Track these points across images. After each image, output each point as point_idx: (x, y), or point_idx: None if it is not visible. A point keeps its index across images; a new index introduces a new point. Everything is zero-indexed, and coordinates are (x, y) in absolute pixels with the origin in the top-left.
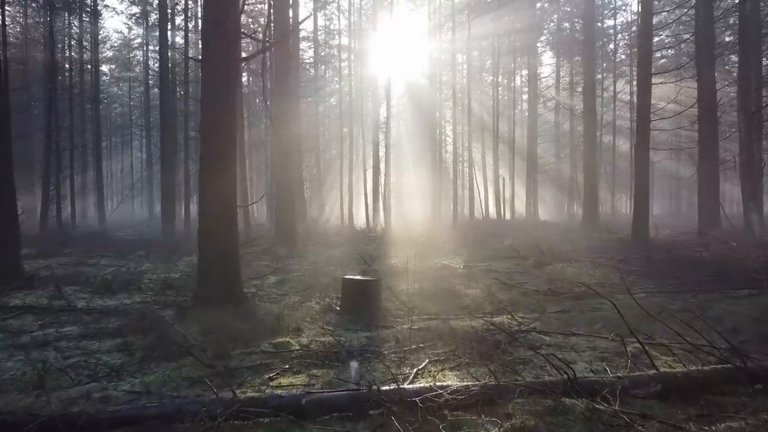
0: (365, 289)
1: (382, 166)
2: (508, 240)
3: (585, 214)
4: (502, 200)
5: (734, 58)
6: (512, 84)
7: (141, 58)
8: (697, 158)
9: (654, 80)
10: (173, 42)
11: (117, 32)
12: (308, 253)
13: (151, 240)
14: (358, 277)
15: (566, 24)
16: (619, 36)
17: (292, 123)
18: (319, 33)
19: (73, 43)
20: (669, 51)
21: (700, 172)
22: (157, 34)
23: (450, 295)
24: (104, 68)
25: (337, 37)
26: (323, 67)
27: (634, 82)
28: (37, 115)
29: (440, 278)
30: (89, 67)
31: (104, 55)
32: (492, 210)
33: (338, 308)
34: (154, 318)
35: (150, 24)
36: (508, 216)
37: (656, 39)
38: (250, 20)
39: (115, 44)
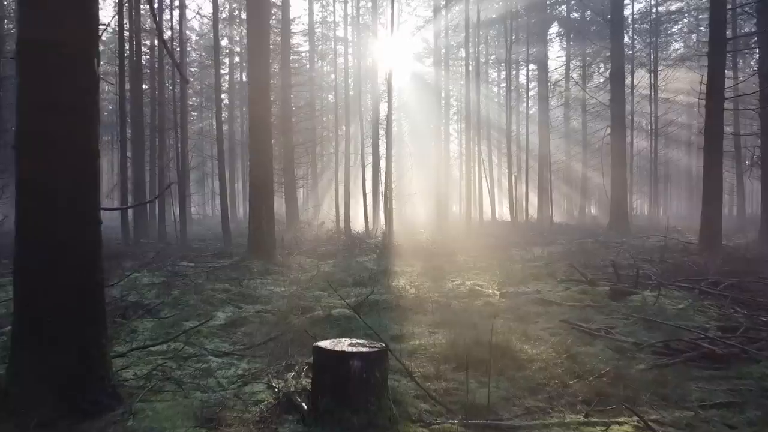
0: (358, 374)
1: (383, 163)
2: (537, 249)
3: (612, 217)
4: (515, 201)
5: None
6: (524, 75)
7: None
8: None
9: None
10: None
11: (105, 25)
12: (290, 268)
13: (104, 250)
14: (347, 347)
15: (575, 14)
16: (636, 26)
17: (267, 97)
18: (315, 26)
19: None
20: (680, 43)
21: (764, 170)
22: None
23: (503, 358)
24: None
25: (333, 27)
26: (320, 61)
27: (653, 75)
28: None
29: (474, 317)
30: None
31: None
32: (502, 212)
33: (306, 404)
34: None
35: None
36: (518, 218)
37: (675, 28)
38: None
39: (104, 38)
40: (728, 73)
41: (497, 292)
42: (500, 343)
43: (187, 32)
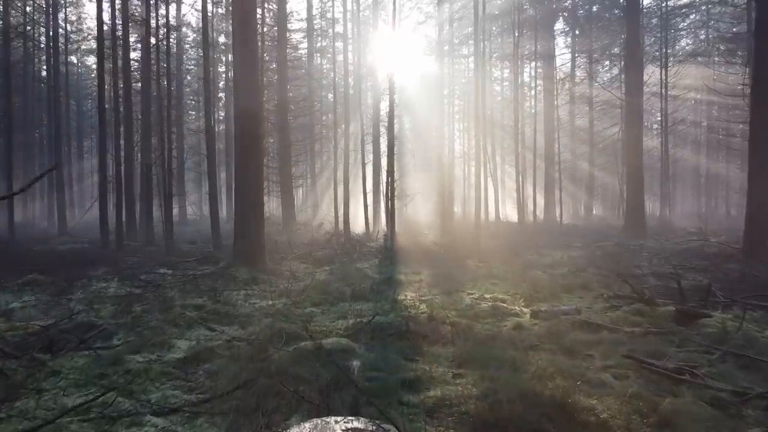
0: None
1: (384, 162)
2: (556, 252)
3: (628, 218)
4: (522, 201)
5: None
6: (527, 73)
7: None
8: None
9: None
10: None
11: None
12: (281, 277)
13: (80, 255)
14: None
15: (581, 11)
16: (645, 20)
17: (255, 84)
18: (314, 20)
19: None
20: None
21: None
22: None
23: (565, 422)
24: (89, 61)
25: (332, 24)
26: (320, 59)
27: (663, 71)
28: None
29: (508, 348)
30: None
31: (87, 46)
32: (506, 212)
33: None
34: None
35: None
36: (525, 219)
37: (683, 24)
38: None
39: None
40: (739, 69)
41: (526, 310)
42: (556, 397)
43: (184, 29)
